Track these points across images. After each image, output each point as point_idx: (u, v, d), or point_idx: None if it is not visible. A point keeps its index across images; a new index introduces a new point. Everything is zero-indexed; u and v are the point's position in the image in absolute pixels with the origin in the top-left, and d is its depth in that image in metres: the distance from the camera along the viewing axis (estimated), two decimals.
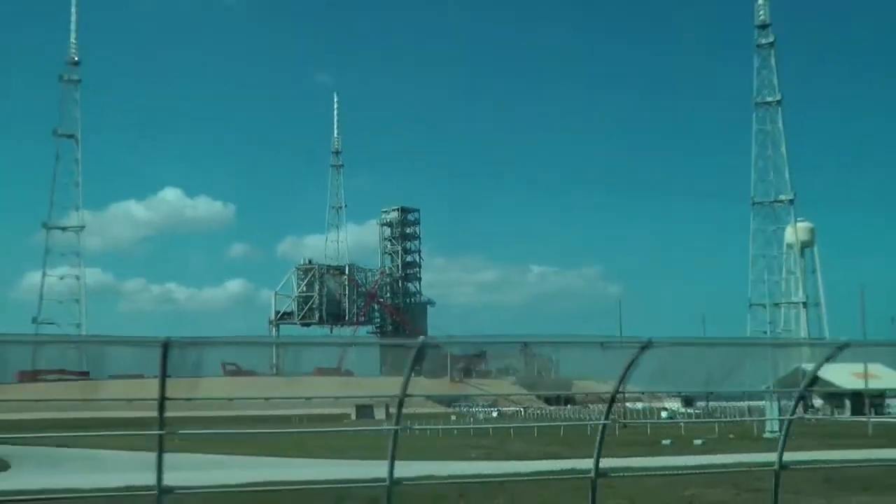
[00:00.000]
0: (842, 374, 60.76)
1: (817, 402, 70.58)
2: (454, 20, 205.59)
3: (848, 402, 65.47)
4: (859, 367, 58.84)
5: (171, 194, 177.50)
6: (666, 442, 36.53)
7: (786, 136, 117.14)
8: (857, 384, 58.29)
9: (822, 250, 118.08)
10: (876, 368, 58.00)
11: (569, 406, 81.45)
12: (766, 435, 41.04)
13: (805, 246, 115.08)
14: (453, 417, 69.29)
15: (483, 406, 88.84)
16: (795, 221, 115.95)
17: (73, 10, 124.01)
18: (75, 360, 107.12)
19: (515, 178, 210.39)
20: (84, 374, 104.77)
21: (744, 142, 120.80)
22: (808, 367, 35.33)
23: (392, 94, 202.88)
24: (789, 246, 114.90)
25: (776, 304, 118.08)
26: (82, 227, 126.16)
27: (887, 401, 67.16)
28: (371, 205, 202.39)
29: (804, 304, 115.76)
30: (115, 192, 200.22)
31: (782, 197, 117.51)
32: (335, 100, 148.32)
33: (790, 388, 42.77)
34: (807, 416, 45.98)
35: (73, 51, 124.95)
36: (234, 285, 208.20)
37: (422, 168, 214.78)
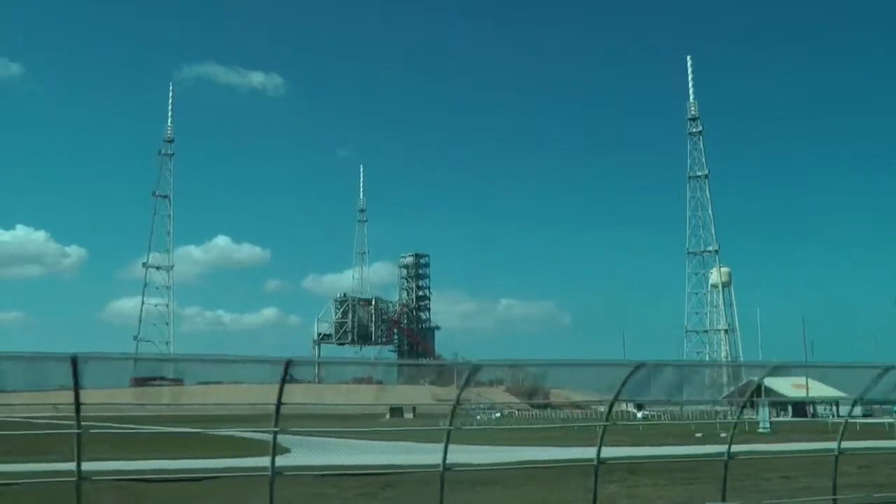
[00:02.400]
0: (784, 386, 78.43)
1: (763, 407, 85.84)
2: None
3: (790, 407, 77.09)
4: (797, 380, 74.79)
5: (222, 241, 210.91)
6: (698, 434, 39.81)
7: (711, 201, 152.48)
8: (797, 393, 75.70)
9: (737, 289, 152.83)
10: (801, 380, 71.49)
11: (548, 409, 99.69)
12: (760, 430, 47.76)
13: (725, 286, 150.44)
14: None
15: (481, 408, 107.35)
16: (720, 266, 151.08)
17: (170, 99, 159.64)
18: (167, 370, 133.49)
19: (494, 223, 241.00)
20: (178, 381, 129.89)
21: (680, 206, 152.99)
22: (755, 380, 65.76)
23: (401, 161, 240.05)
24: (713, 286, 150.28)
25: (705, 331, 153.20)
26: (172, 267, 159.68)
27: (818, 406, 75.90)
28: (378, 246, 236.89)
29: (725, 330, 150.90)
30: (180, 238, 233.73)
31: (709, 248, 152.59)
32: (361, 169, 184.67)
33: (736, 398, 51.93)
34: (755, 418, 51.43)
35: (170, 131, 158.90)
36: (269, 312, 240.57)
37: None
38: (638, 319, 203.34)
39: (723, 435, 43.53)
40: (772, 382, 72.42)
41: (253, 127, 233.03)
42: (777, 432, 45.96)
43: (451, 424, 11.68)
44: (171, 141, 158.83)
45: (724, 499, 13.04)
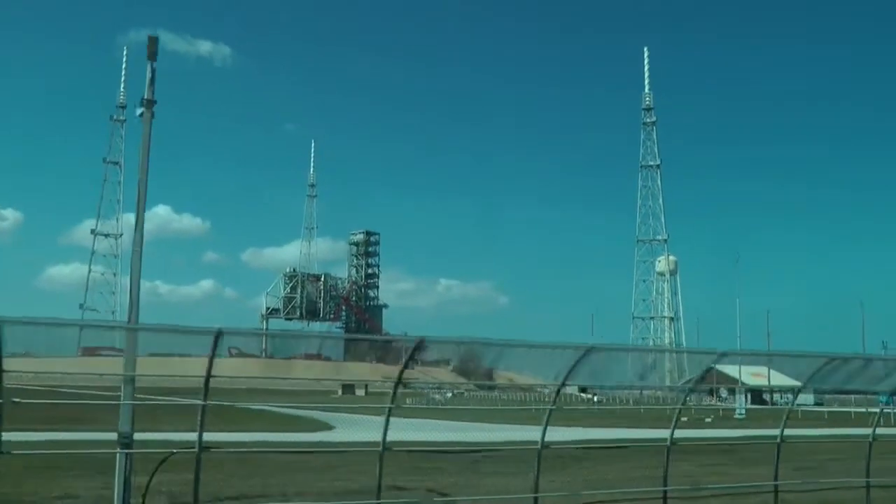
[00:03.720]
0: (744, 374, 77.20)
1: (723, 393, 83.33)
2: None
3: (749, 395, 74.78)
4: (755, 369, 74.72)
5: (162, 210, 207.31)
6: (708, 419, 43.73)
7: (662, 191, 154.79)
8: (754, 381, 77.19)
9: (683, 278, 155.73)
10: (763, 370, 72.05)
11: (495, 391, 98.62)
12: (737, 416, 50.42)
13: (672, 274, 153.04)
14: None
15: (430, 387, 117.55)
16: (668, 255, 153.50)
17: (124, 65, 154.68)
18: (117, 340, 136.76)
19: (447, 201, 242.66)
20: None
21: (632, 194, 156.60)
22: (721, 367, 67.53)
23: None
24: (660, 273, 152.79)
25: (651, 318, 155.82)
26: (121, 235, 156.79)
27: (774, 395, 79.45)
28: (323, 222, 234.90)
29: (671, 318, 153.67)
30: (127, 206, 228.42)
31: (658, 237, 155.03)
32: (312, 144, 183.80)
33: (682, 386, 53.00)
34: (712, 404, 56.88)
35: (122, 96, 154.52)
36: (207, 284, 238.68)
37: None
38: (586, 304, 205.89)
39: (708, 420, 45.56)
40: (732, 371, 74.88)
41: (199, 96, 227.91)
42: (752, 419, 47.14)
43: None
44: (123, 107, 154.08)
45: (867, 474, 14.44)
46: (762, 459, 16.51)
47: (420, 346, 11.79)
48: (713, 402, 72.19)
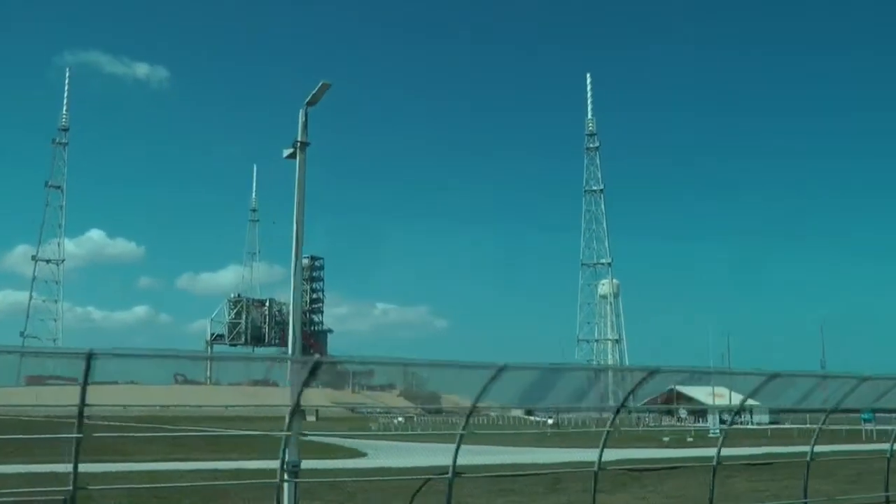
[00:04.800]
0: (701, 394, 79.98)
1: (682, 413, 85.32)
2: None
3: (710, 416, 73.29)
4: (716, 390, 72.27)
5: (95, 234, 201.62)
6: (666, 439, 44.60)
7: (606, 215, 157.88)
8: (712, 401, 73.41)
9: (626, 301, 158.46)
10: (721, 391, 66.60)
11: (442, 414, 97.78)
12: (710, 435, 48.50)
13: (615, 297, 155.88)
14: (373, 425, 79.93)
15: (378, 412, 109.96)
16: (612, 278, 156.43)
17: (66, 87, 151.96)
18: (59, 368, 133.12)
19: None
20: (74, 380, 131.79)
21: (576, 218, 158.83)
22: (680, 388, 69.28)
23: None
24: (602, 297, 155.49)
25: (596, 340, 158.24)
26: (63, 261, 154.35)
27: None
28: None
29: (616, 340, 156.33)
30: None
31: (602, 260, 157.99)
32: (255, 169, 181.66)
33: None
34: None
35: (65, 119, 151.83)
36: (141, 310, 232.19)
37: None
38: (530, 328, 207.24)
39: (689, 439, 46.34)
40: (690, 391, 75.78)
41: (135, 119, 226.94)
42: (729, 437, 48.98)
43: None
44: (65, 129, 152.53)
45: (886, 489, 15.31)
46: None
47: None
48: (674, 423, 74.51)
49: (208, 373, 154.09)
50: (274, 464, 11.60)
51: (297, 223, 13.44)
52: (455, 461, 11.99)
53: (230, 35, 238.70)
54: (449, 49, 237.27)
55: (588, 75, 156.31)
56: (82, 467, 9.57)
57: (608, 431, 13.64)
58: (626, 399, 14.18)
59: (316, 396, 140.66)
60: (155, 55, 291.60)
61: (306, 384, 10.26)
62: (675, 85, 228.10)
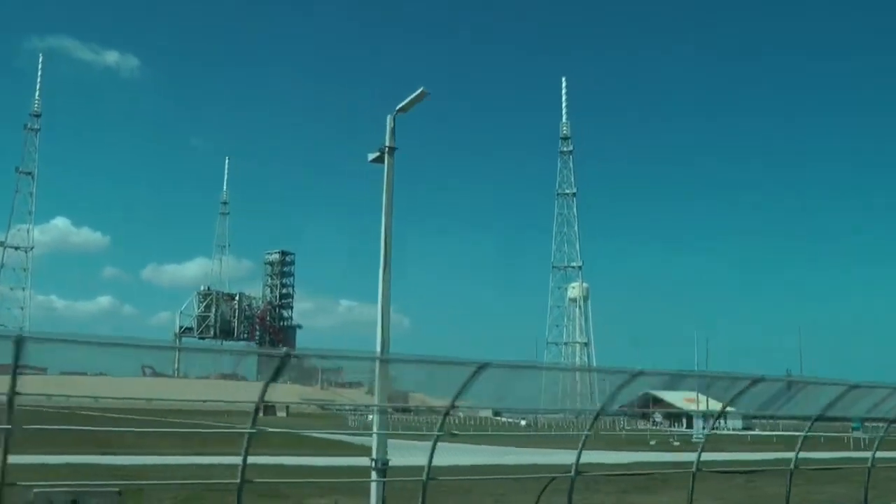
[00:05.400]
0: (677, 399, 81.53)
1: (658, 417, 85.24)
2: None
3: (681, 421, 79.61)
4: (688, 394, 75.37)
5: (60, 222, 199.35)
6: (652, 442, 45.28)
7: (578, 218, 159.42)
8: (689, 406, 78.40)
9: (595, 304, 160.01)
10: (692, 395, 72.15)
11: (411, 413, 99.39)
12: (694, 440, 49.62)
13: (584, 300, 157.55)
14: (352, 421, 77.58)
15: (346, 409, 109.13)
16: (582, 282, 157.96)
17: (39, 72, 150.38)
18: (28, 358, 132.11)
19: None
20: (42, 370, 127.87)
21: (547, 221, 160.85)
22: (656, 392, 69.34)
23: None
24: (572, 300, 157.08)
25: (566, 343, 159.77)
26: (31, 248, 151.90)
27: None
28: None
29: (585, 343, 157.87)
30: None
31: (573, 263, 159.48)
32: (226, 162, 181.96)
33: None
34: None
35: (37, 105, 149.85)
36: (104, 300, 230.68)
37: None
38: (498, 329, 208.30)
39: (676, 443, 47.24)
40: (666, 395, 76.83)
41: (104, 107, 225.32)
42: (711, 442, 50.38)
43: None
44: (37, 115, 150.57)
45: None
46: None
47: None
48: (650, 427, 73.88)
49: (176, 365, 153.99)
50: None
51: (385, 227, 13.79)
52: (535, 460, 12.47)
53: (203, 27, 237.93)
54: (446, 48, 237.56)
55: (563, 79, 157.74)
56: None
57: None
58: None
59: (285, 393, 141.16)
60: (125, 43, 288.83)
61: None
62: (656, 90, 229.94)
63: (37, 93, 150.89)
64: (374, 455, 12.33)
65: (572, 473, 12.55)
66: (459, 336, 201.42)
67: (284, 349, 10.68)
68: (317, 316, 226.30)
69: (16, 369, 8.36)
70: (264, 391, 9.75)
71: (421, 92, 13.36)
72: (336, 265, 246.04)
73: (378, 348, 13.46)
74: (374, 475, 12.43)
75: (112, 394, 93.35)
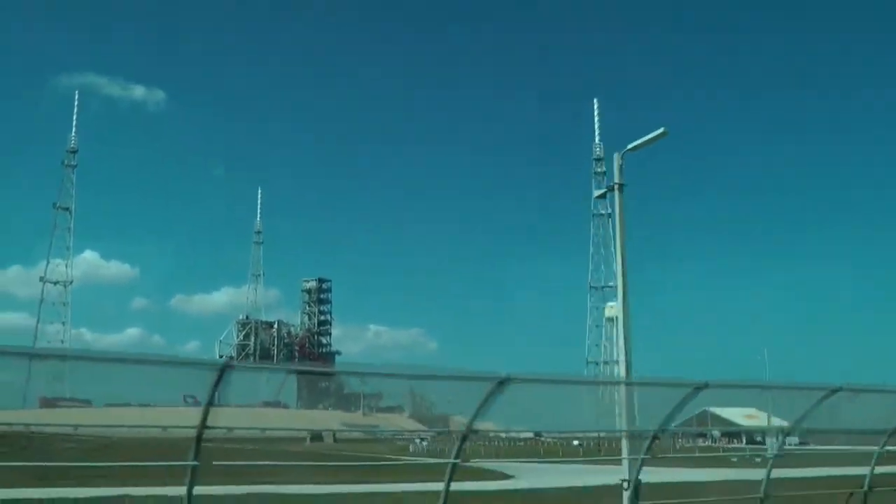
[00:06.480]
0: (737, 416, 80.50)
1: (715, 433, 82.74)
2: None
3: (743, 436, 78.55)
4: (748, 410, 75.24)
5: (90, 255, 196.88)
6: (734, 459, 44.30)
7: (613, 239, 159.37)
8: (749, 423, 77.96)
9: (635, 323, 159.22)
10: (754, 412, 71.70)
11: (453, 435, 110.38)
12: (767, 456, 48.36)
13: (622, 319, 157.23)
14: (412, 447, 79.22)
15: (392, 434, 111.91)
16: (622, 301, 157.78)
17: (75, 109, 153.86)
18: (67, 391, 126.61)
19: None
20: (87, 402, 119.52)
21: (585, 243, 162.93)
22: (714, 409, 68.33)
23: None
24: (609, 319, 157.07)
25: (606, 363, 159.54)
26: (70, 282, 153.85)
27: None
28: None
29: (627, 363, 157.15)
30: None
31: (610, 283, 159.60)
32: (259, 192, 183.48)
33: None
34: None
35: (73, 141, 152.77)
36: (133, 332, 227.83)
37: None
38: (535, 349, 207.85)
39: (757, 460, 44.76)
40: (724, 412, 76.37)
41: (132, 141, 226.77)
42: (787, 458, 49.96)
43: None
44: (74, 151, 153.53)
45: None
46: None
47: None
48: (709, 444, 72.78)
49: (217, 393, 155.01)
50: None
51: (620, 259, 15.18)
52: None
53: (227, 56, 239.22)
54: (452, 74, 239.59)
55: (595, 100, 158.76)
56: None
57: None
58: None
59: (327, 419, 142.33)
60: (151, 77, 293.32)
61: (211, 400, 8.68)
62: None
63: (73, 129, 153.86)
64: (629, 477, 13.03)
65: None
66: (489, 357, 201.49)
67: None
68: (344, 342, 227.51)
69: (210, 400, 8.16)
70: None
71: (661, 133, 14.45)
72: (361, 290, 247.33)
73: (622, 372, 15.11)
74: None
75: (157, 422, 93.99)
